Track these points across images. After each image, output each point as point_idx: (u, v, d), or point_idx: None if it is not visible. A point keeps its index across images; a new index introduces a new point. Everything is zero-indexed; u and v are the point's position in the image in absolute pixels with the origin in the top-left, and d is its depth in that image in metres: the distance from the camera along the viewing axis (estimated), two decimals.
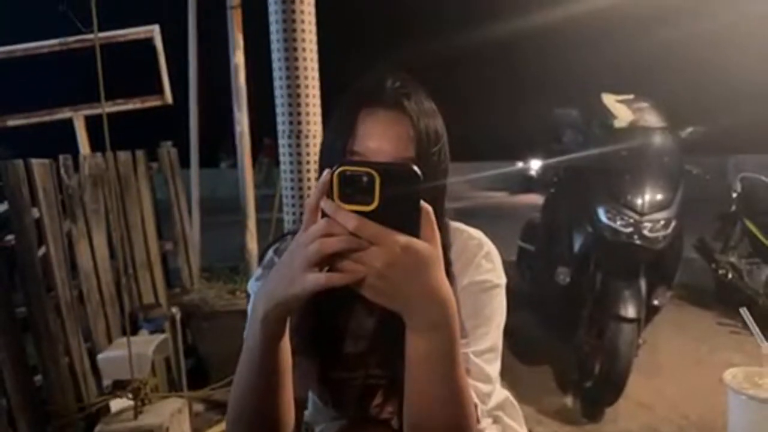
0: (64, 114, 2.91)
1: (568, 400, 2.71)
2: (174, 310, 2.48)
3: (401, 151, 0.80)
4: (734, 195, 4.09)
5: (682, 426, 2.44)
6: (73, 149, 2.70)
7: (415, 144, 0.81)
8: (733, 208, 4.08)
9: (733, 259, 3.93)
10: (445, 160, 0.86)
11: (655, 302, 2.71)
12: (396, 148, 0.80)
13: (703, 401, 2.62)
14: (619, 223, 2.59)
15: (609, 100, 3.03)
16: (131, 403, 1.93)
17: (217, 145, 13.12)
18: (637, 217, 2.58)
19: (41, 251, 2.08)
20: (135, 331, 2.36)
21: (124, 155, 2.56)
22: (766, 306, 3.43)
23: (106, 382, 2.12)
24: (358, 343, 0.92)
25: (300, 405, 0.86)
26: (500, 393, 1.14)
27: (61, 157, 2.23)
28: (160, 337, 2.18)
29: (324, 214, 0.61)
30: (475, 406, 0.79)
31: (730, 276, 3.86)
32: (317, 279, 0.60)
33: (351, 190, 0.61)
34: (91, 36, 1.91)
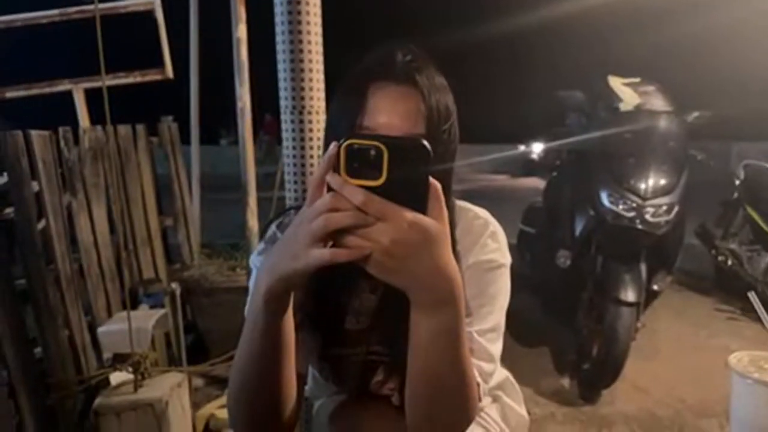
0: (63, 86, 2.88)
1: (566, 382, 2.73)
2: (174, 285, 2.48)
3: (411, 127, 0.78)
4: (737, 182, 4.07)
5: (678, 409, 2.46)
6: (73, 122, 2.68)
7: (425, 120, 0.79)
8: (736, 195, 4.06)
9: (733, 246, 3.92)
10: (454, 137, 0.84)
11: (655, 287, 2.72)
12: (406, 124, 0.78)
13: (700, 386, 2.64)
14: (621, 207, 2.58)
15: (615, 82, 2.99)
16: (131, 376, 1.94)
17: (218, 121, 13.05)
18: (639, 201, 2.56)
19: (41, 224, 2.06)
20: (135, 306, 2.36)
21: (124, 129, 2.54)
22: (765, 293, 3.44)
23: (106, 355, 2.12)
24: (360, 319, 0.92)
25: (301, 380, 0.86)
26: (500, 373, 1.15)
27: (60, 130, 2.20)
28: (160, 311, 2.18)
29: (330, 189, 0.60)
30: (477, 384, 0.79)
31: (730, 263, 3.86)
32: (322, 255, 0.59)
33: (358, 164, 0.59)
34: (91, 7, 1.88)
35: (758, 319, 1.75)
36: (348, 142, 0.59)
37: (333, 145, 0.60)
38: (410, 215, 0.58)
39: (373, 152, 0.59)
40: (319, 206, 0.59)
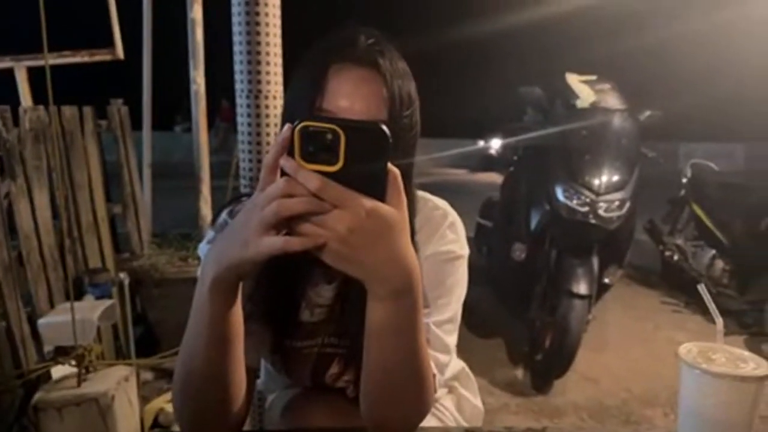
0: (4, 63, 2.71)
1: (519, 373, 2.78)
2: (122, 275, 2.38)
3: (373, 112, 0.76)
4: (684, 180, 4.24)
5: (625, 399, 2.54)
6: (15, 102, 2.53)
7: (387, 105, 0.77)
8: (683, 192, 4.23)
9: (679, 242, 4.09)
10: (416, 124, 0.82)
11: (606, 280, 2.80)
12: (367, 108, 0.75)
13: (646, 376, 2.74)
14: (575, 201, 2.63)
15: (572, 79, 3.05)
16: (74, 370, 1.85)
17: (173, 107, 12.66)
18: (593, 196, 2.63)
19: None
20: (80, 297, 2.25)
21: (69, 110, 2.41)
22: (708, 287, 3.59)
23: (48, 348, 2.02)
24: (315, 311, 0.89)
25: (252, 373, 0.83)
26: (456, 364, 1.14)
27: None
28: (107, 302, 2.09)
29: (283, 174, 0.57)
30: (434, 376, 0.78)
31: (676, 258, 4.02)
32: (273, 243, 0.56)
33: (314, 148, 0.56)
34: None
35: (701, 312, 1.82)
36: (303, 124, 0.56)
37: (287, 127, 0.56)
38: (368, 203, 0.56)
39: (329, 136, 0.56)
40: (272, 192, 0.56)
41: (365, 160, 0.56)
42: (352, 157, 0.56)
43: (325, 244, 0.56)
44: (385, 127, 0.57)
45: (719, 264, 3.64)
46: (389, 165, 0.58)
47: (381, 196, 0.57)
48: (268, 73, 1.45)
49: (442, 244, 0.88)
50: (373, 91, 0.76)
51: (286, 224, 0.56)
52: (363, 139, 0.56)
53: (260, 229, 0.56)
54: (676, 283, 3.99)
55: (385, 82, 0.76)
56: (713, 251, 3.70)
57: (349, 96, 0.75)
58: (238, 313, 0.66)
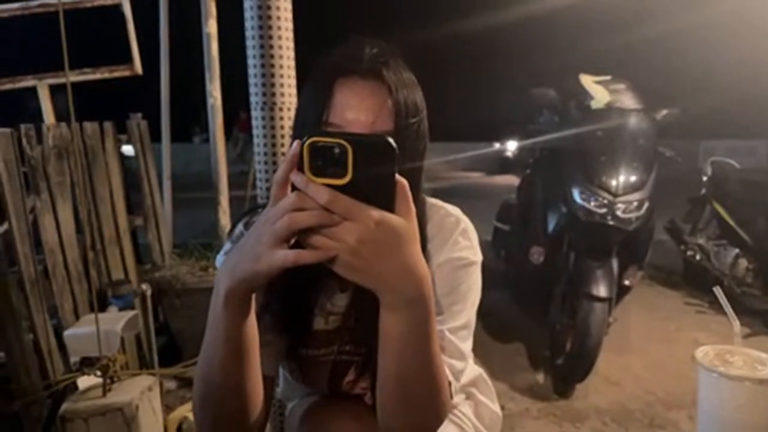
0: (27, 82, 2.79)
1: (540, 377, 2.76)
2: (144, 286, 2.43)
3: (379, 123, 0.77)
4: (704, 178, 4.17)
5: (649, 402, 2.51)
6: (38, 119, 2.60)
7: (393, 115, 0.78)
8: (703, 191, 4.16)
9: (701, 241, 4.02)
10: (423, 133, 0.83)
11: (626, 282, 2.76)
12: (373, 119, 0.77)
13: (670, 378, 2.69)
14: (593, 203, 2.61)
15: (586, 80, 3.02)
16: (99, 380, 1.89)
17: (190, 119, 12.86)
18: (610, 197, 2.60)
19: (3, 226, 2.00)
20: (103, 308, 2.30)
21: (90, 126, 2.47)
22: (732, 287, 3.53)
23: (74, 359, 2.06)
24: (329, 319, 0.90)
25: (271, 382, 0.84)
26: (473, 370, 1.15)
27: (22, 127, 2.13)
28: (130, 313, 2.13)
29: (294, 188, 0.58)
30: (449, 382, 0.78)
31: (698, 257, 3.95)
32: (285, 256, 0.58)
33: (322, 162, 0.57)
34: (55, 0, 1.81)
35: (725, 312, 1.78)
36: (311, 140, 0.58)
37: (295, 143, 0.58)
38: (377, 214, 0.57)
39: (337, 150, 0.57)
40: (283, 206, 0.58)
41: (373, 172, 0.58)
42: (360, 169, 0.57)
43: (337, 256, 0.57)
44: (391, 140, 0.58)
45: (743, 263, 3.56)
46: (397, 176, 0.59)
47: (390, 207, 0.58)
48: (281, 85, 1.47)
49: (455, 251, 0.89)
50: (379, 102, 0.77)
51: (299, 237, 0.58)
52: (370, 152, 0.58)
53: (272, 243, 0.58)
54: (699, 284, 3.92)
55: (390, 93, 0.78)
56: (736, 250, 3.63)
57: (355, 108, 0.77)
58: (252, 323, 0.68)
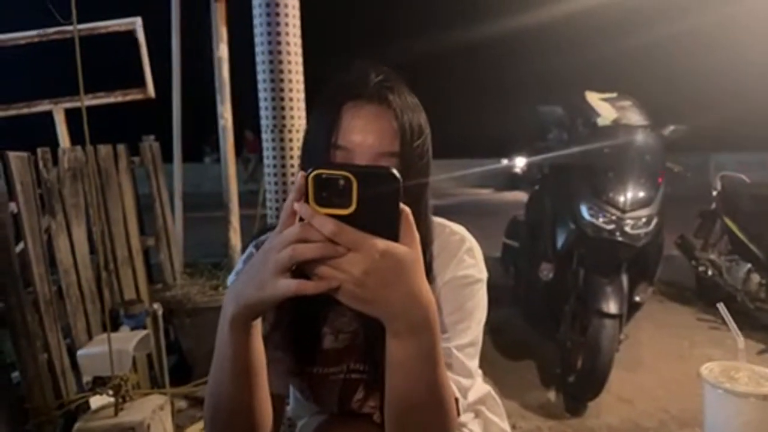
0: (43, 106, 2.85)
1: (551, 395, 2.74)
2: (156, 306, 2.45)
3: (385, 146, 0.80)
4: (714, 193, 4.15)
5: (662, 420, 2.47)
6: (54, 142, 2.66)
7: (399, 138, 0.81)
8: (713, 206, 4.13)
9: (712, 257, 3.98)
10: (427, 154, 0.86)
11: (637, 298, 2.75)
12: (380, 142, 0.80)
13: (683, 395, 2.66)
14: (601, 219, 2.61)
15: (592, 97, 3.05)
16: (112, 399, 1.91)
17: (202, 140, 13.02)
18: (619, 213, 2.60)
19: (19, 247, 2.04)
20: (116, 328, 2.33)
21: (104, 149, 2.52)
22: (745, 302, 3.49)
23: (86, 378, 2.08)
24: (338, 338, 0.92)
25: (281, 400, 0.86)
26: (482, 387, 1.15)
27: (39, 150, 2.18)
28: (141, 333, 2.15)
29: (301, 218, 0.60)
30: (456, 400, 0.79)
31: (709, 273, 3.92)
32: (288, 286, 0.59)
33: (327, 193, 0.59)
34: (70, 27, 1.87)
35: (739, 328, 1.77)
36: (316, 172, 0.59)
37: (300, 175, 0.60)
38: (382, 244, 0.58)
39: (341, 182, 0.59)
40: (288, 236, 0.59)
41: (377, 202, 0.59)
42: (364, 200, 0.58)
43: (341, 287, 0.58)
44: (395, 171, 0.60)
45: (755, 278, 3.53)
46: (401, 204, 0.60)
47: (394, 236, 0.60)
48: (291, 108, 1.51)
49: (460, 269, 0.90)
50: (385, 125, 0.80)
51: (303, 267, 0.59)
52: (374, 183, 0.59)
53: (276, 272, 0.59)
54: (712, 299, 3.86)
55: (395, 117, 0.80)
56: (748, 265, 3.60)
57: (362, 131, 0.79)
58: (259, 346, 0.69)
